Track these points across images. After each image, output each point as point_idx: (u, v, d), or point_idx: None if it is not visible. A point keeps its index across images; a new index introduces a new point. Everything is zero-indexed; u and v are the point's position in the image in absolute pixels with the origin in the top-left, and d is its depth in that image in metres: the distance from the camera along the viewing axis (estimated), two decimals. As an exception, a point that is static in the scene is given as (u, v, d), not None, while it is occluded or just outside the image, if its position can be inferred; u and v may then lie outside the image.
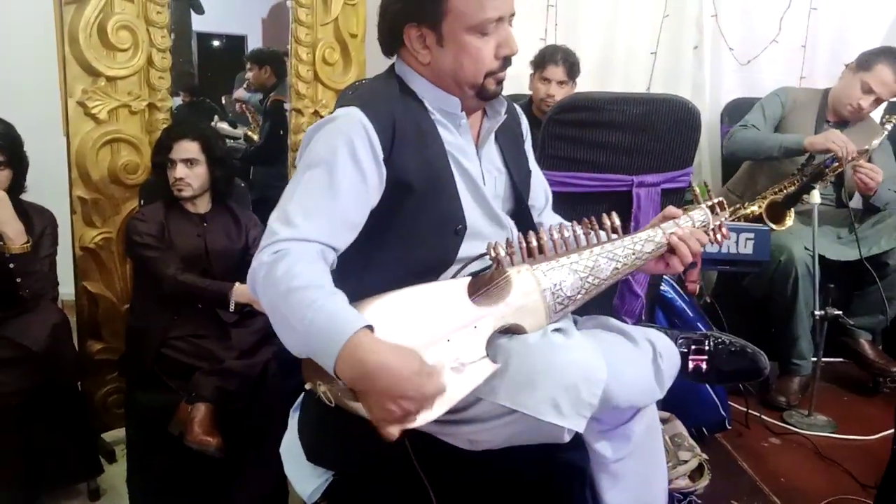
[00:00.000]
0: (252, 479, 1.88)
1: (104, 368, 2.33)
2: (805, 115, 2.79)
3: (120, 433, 2.30)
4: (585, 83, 2.95)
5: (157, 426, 1.92)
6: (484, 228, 1.33)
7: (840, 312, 2.42)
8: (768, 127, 2.80)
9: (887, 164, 2.76)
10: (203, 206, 2.18)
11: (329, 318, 1.03)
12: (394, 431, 1.02)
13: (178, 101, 3.55)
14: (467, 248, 1.29)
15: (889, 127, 2.64)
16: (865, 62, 2.66)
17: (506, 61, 1.29)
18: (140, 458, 2.03)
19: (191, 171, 2.10)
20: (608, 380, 1.13)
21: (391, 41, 1.32)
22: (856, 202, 2.81)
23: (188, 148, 2.10)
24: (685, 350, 1.46)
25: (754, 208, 2.70)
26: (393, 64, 1.36)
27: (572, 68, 2.80)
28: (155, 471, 1.99)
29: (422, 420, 1.05)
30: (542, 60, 2.79)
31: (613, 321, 1.40)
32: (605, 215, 1.30)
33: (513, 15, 1.28)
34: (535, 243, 1.24)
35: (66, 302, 2.40)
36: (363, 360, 1.00)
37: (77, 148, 2.16)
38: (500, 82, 1.31)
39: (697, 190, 1.45)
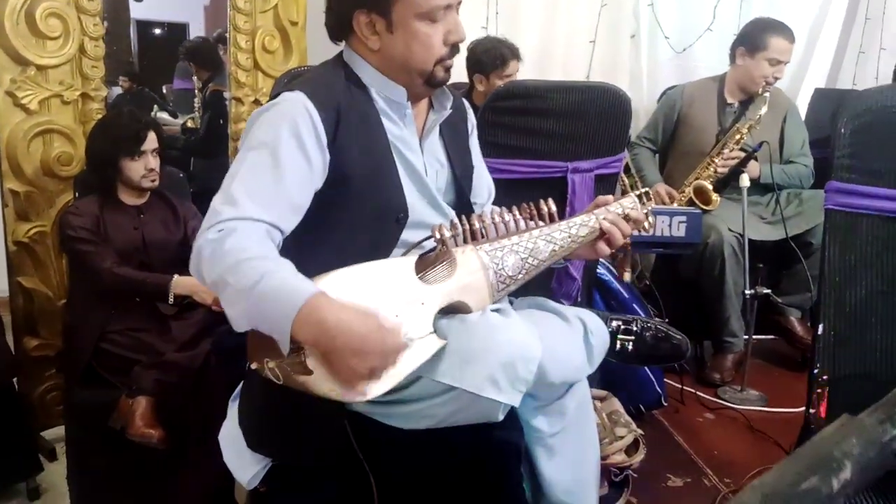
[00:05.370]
0: (197, 470, 1.87)
1: (42, 365, 2.28)
2: (705, 104, 2.90)
3: (60, 431, 2.26)
4: (526, 72, 3.00)
5: (98, 422, 1.89)
6: (426, 217, 1.35)
7: (769, 291, 2.52)
8: (659, 139, 2.98)
9: (796, 135, 2.88)
10: (141, 197, 2.14)
11: (284, 284, 1.04)
12: (361, 390, 1.05)
13: (117, 90, 3.47)
14: (409, 237, 1.31)
15: (767, 95, 2.76)
16: (757, 43, 2.76)
17: (454, 48, 1.31)
18: (80, 454, 2.00)
19: (156, 162, 2.09)
20: (543, 357, 1.17)
21: (340, 28, 1.32)
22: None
23: (154, 138, 2.08)
24: (613, 330, 1.52)
25: (684, 195, 2.79)
26: (341, 52, 1.36)
27: (518, 52, 2.84)
28: (96, 467, 1.97)
29: (385, 383, 1.08)
30: (504, 60, 2.79)
31: (547, 301, 1.45)
32: (542, 201, 1.34)
33: (460, 2, 1.30)
34: (477, 226, 1.28)
35: (-1, 298, 2.34)
36: (323, 319, 1.02)
37: (7, 139, 2.11)
38: (448, 69, 1.33)
39: (627, 181, 1.50)
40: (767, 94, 2.74)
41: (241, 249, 1.07)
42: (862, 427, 0.56)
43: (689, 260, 2.68)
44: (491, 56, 2.79)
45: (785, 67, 2.80)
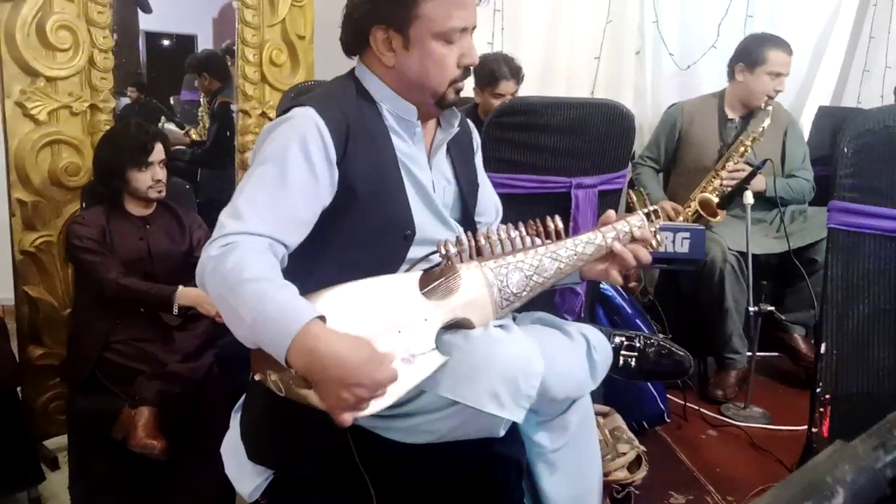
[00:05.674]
0: (197, 481, 1.88)
1: (46, 374, 2.29)
2: (706, 121, 2.91)
3: (62, 440, 2.26)
4: (530, 88, 3.01)
5: (100, 431, 1.90)
6: (433, 234, 1.35)
7: (773, 308, 2.51)
8: (662, 157, 2.98)
9: (797, 149, 2.88)
10: (147, 208, 2.16)
11: (281, 309, 1.04)
12: (347, 418, 1.04)
13: (125, 101, 3.50)
14: (416, 253, 1.32)
15: (770, 108, 2.76)
16: (756, 58, 2.77)
17: (466, 71, 1.32)
18: (82, 464, 2.01)
19: (163, 173, 2.11)
20: (545, 372, 1.17)
21: (356, 42, 1.34)
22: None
23: (161, 149, 2.10)
24: (616, 346, 1.52)
25: (690, 209, 2.80)
26: (353, 68, 1.38)
27: (519, 74, 2.85)
28: (97, 476, 1.97)
29: (374, 407, 1.08)
30: (494, 77, 2.79)
31: (550, 317, 1.45)
32: (548, 218, 1.34)
33: (475, 27, 1.32)
34: (483, 242, 1.28)
35: (5, 307, 2.35)
36: (315, 349, 1.02)
37: (15, 149, 2.13)
38: (458, 92, 1.34)
39: (634, 197, 1.50)
40: (770, 108, 2.75)
41: (243, 268, 1.07)
42: (855, 454, 0.56)
43: (688, 276, 2.67)
44: (484, 70, 2.79)
45: (785, 80, 2.81)
